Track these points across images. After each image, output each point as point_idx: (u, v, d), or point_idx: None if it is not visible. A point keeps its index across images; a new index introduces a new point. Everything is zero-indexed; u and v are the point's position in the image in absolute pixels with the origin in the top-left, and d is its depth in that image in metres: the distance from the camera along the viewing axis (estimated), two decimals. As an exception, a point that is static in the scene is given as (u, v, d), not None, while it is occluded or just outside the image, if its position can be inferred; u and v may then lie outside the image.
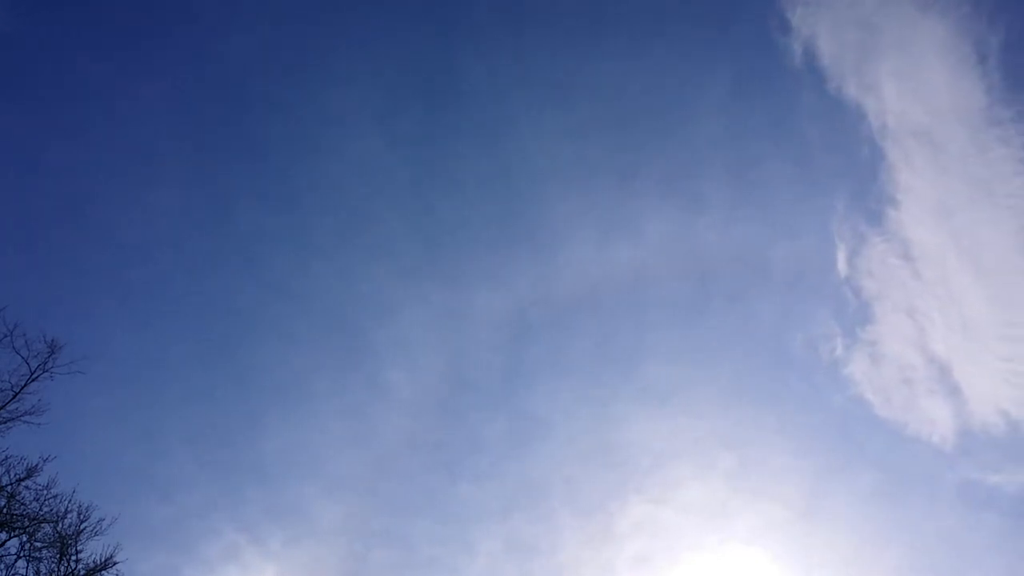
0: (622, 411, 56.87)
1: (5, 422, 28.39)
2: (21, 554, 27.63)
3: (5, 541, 27.63)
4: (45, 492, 28.06)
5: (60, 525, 28.04)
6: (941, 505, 50.96)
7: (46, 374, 28.99)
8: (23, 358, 28.85)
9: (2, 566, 27.46)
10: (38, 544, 27.80)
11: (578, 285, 57.84)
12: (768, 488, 52.28)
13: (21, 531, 27.71)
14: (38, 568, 27.69)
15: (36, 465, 28.14)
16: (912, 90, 54.67)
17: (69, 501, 28.29)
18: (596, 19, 58.03)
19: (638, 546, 50.31)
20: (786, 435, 54.78)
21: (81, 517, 28.27)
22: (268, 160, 58.36)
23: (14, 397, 28.67)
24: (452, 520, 52.45)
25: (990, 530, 49.81)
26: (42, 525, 27.86)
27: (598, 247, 58.47)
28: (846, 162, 56.78)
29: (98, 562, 28.12)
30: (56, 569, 27.82)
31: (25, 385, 28.81)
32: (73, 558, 28.03)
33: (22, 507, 27.86)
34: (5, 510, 27.69)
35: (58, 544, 27.89)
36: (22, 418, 28.54)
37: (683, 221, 57.97)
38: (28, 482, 28.05)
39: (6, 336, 28.63)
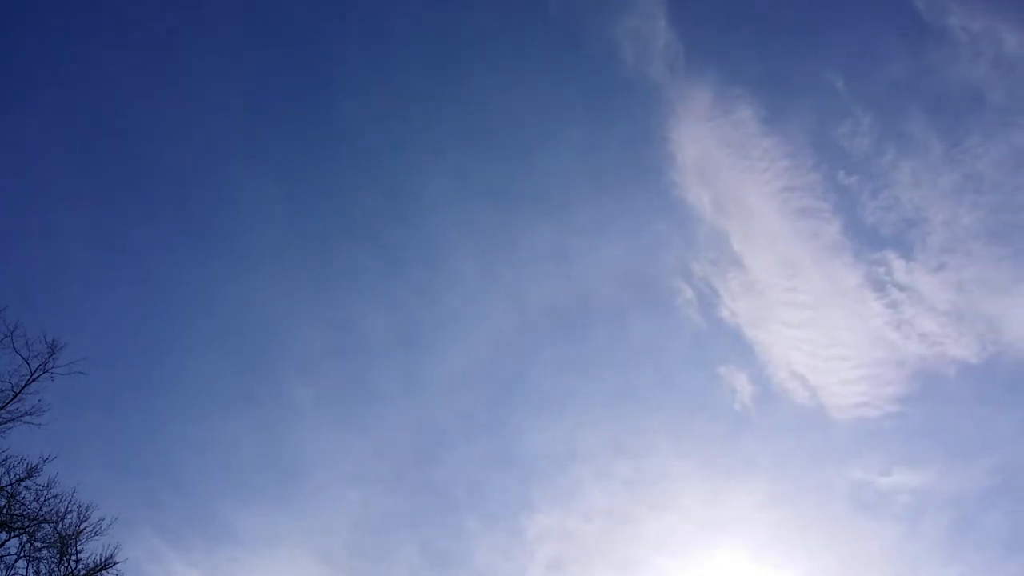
0: (516, 420, 59.41)
1: (5, 422, 28.43)
2: (21, 554, 27.73)
3: (5, 541, 27.67)
4: (45, 492, 28.20)
5: (60, 525, 28.21)
6: (836, 507, 53.29)
7: (46, 374, 29.17)
8: (23, 358, 28.95)
9: (2, 566, 27.48)
10: (38, 544, 27.93)
11: (463, 301, 60.97)
12: (668, 496, 54.85)
13: (21, 531, 27.80)
14: (38, 568, 27.84)
15: (36, 465, 28.29)
16: (647, 54, 57.06)
17: (69, 501, 28.52)
18: (454, 42, 60.92)
19: (549, 553, 52.90)
20: (678, 441, 57.68)
21: (81, 517, 28.47)
22: (160, 188, 58.88)
23: (14, 397, 28.72)
24: (367, 530, 53.84)
25: (882, 531, 52.77)
26: (42, 525, 27.99)
27: (479, 265, 60.95)
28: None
29: (98, 562, 28.40)
30: (56, 569, 28.01)
31: (25, 385, 28.89)
32: (73, 558, 28.27)
33: (22, 507, 27.95)
34: (5, 510, 27.73)
35: (58, 544, 28.06)
36: (22, 418, 28.64)
37: (554, 235, 61.04)
38: (28, 482, 28.16)
39: (6, 336, 28.72)
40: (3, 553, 27.54)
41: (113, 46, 56.40)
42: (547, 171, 60.81)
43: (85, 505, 28.72)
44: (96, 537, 28.64)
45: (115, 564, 28.54)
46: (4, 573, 27.41)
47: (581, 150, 60.35)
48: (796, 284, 56.53)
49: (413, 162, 60.93)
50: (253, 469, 54.77)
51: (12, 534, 27.70)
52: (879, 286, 55.21)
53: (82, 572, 28.29)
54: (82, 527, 28.50)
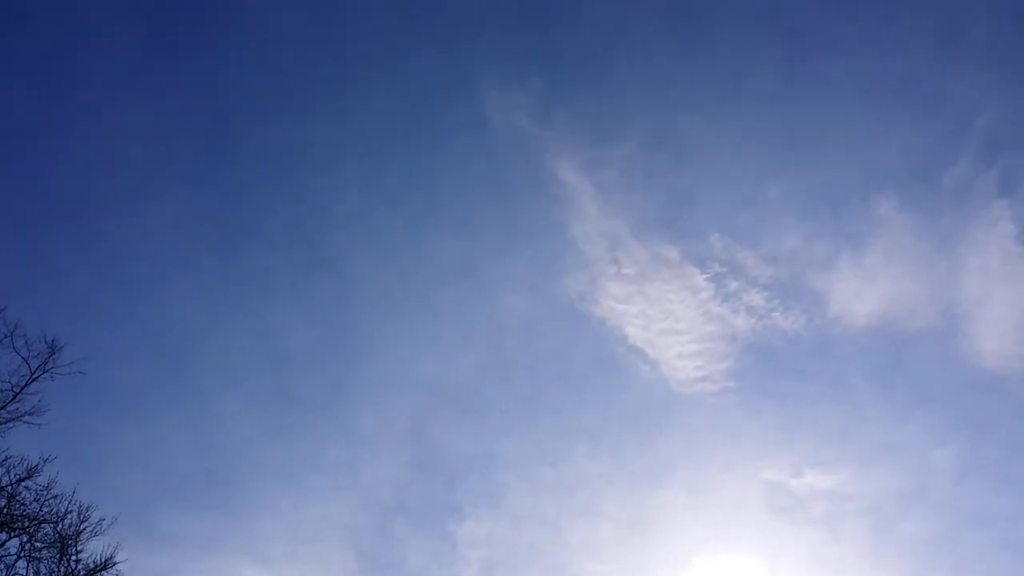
0: (436, 426, 59.42)
1: (5, 422, 28.32)
2: (21, 554, 27.71)
3: (5, 541, 27.61)
4: (45, 492, 28.26)
5: (60, 525, 28.28)
6: (753, 509, 53.63)
7: (46, 374, 29.15)
8: (23, 358, 28.92)
9: (2, 566, 27.41)
10: (38, 544, 27.94)
11: (377, 312, 62.18)
12: (590, 501, 55.82)
13: (21, 531, 27.75)
14: (38, 568, 27.84)
15: (36, 465, 28.31)
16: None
17: (69, 501, 28.60)
18: (349, 57, 63.13)
19: (480, 559, 54.23)
20: (597, 444, 58.64)
21: (81, 517, 28.61)
22: (72, 203, 58.15)
23: (14, 397, 28.64)
24: (302, 535, 54.16)
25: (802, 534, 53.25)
26: (42, 525, 28.02)
27: (391, 278, 62.19)
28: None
29: (98, 562, 28.55)
30: (56, 569, 28.02)
31: (25, 385, 28.85)
32: (73, 558, 28.33)
33: (22, 507, 27.92)
34: (5, 510, 27.64)
35: (58, 544, 28.09)
36: (22, 418, 28.58)
37: (463, 247, 62.36)
38: (28, 482, 28.19)
39: (6, 336, 28.68)
40: (3, 553, 27.53)
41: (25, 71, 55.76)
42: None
43: (85, 505, 28.96)
44: (96, 537, 28.87)
45: (115, 564, 28.81)
46: (4, 573, 27.39)
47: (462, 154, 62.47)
48: (619, 257, 57.13)
49: (321, 177, 62.25)
50: (186, 477, 54.23)
51: (12, 534, 27.66)
52: (700, 260, 56.25)
53: (82, 572, 28.41)
54: (82, 527, 28.66)
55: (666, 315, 56.43)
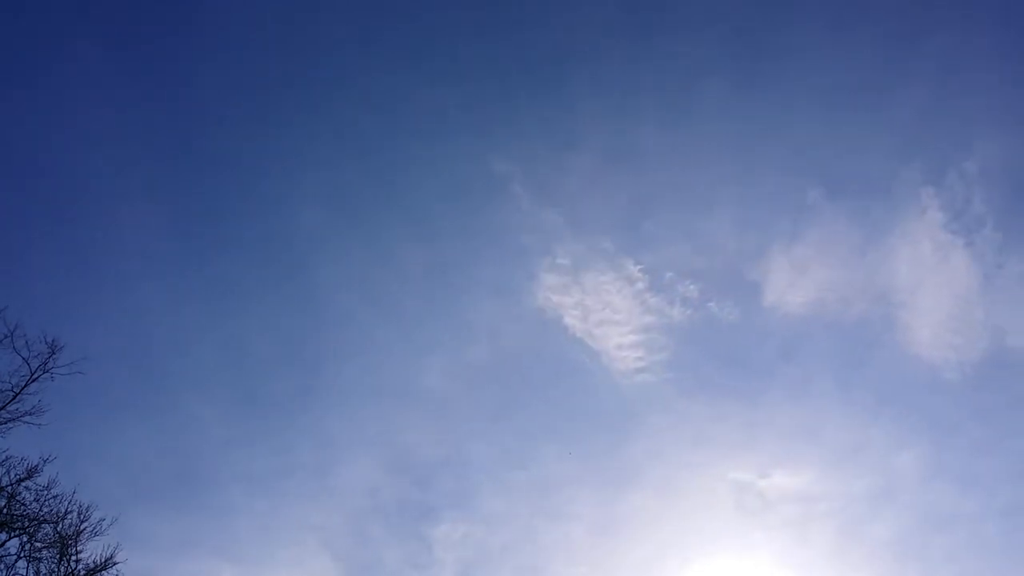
0: (406, 428, 59.64)
1: (5, 422, 28.26)
2: (21, 554, 27.68)
3: (5, 541, 27.57)
4: (45, 492, 28.24)
5: (60, 525, 28.28)
6: (721, 509, 54.11)
7: (46, 375, 29.11)
8: (23, 358, 28.85)
9: (2, 566, 27.36)
10: (38, 544, 27.92)
11: (345, 317, 62.38)
12: (562, 504, 56.08)
13: (21, 531, 27.73)
14: (38, 568, 27.82)
15: (36, 465, 28.28)
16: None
17: (69, 501, 28.60)
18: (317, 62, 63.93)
19: (457, 562, 54.59)
20: (566, 446, 58.86)
21: (81, 517, 28.62)
22: (42, 208, 58.07)
23: (14, 398, 28.57)
24: (279, 538, 54.30)
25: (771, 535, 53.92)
26: (42, 525, 28.00)
27: (358, 283, 63.34)
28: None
29: (98, 562, 28.59)
30: (56, 569, 28.02)
31: (25, 385, 28.78)
32: (73, 558, 28.34)
33: (22, 507, 27.89)
34: (5, 510, 27.60)
35: (58, 544, 28.10)
36: (22, 418, 28.51)
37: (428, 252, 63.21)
38: (28, 482, 28.15)
39: (6, 336, 28.57)
40: (3, 553, 27.48)
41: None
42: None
43: (85, 505, 28.99)
44: (96, 537, 28.91)
45: (115, 564, 28.86)
46: (4, 573, 27.34)
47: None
48: (553, 248, 58.44)
49: (288, 187, 62.79)
50: (160, 479, 53.91)
51: (12, 534, 27.62)
52: (631, 250, 57.88)
53: (82, 572, 28.45)
54: (82, 527, 28.70)
55: (603, 305, 57.31)
